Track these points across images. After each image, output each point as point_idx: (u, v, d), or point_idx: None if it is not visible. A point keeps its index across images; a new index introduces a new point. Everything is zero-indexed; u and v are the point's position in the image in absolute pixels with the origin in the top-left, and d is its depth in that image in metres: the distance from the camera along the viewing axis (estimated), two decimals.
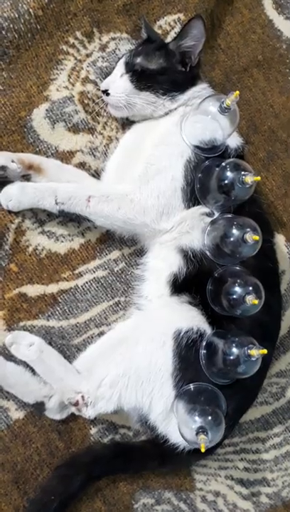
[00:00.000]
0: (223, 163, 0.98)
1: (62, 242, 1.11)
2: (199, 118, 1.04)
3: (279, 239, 1.24)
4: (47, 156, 1.11)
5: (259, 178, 0.92)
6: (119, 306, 1.14)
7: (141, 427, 1.09)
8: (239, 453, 1.20)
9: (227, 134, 1.03)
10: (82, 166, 1.12)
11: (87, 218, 1.04)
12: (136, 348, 0.99)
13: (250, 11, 1.28)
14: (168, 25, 1.21)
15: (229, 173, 0.96)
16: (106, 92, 1.08)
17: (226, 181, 0.96)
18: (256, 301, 0.91)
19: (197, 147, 1.04)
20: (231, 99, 0.94)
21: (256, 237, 0.91)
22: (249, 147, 1.24)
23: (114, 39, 1.17)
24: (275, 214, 1.26)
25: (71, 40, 1.14)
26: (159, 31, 1.21)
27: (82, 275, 1.12)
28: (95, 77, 1.15)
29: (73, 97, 1.13)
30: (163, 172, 1.03)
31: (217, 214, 1.04)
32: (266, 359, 1.04)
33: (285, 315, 1.22)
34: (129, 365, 0.98)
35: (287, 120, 1.29)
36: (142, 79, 1.06)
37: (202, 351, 0.98)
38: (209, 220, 1.03)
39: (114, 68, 1.12)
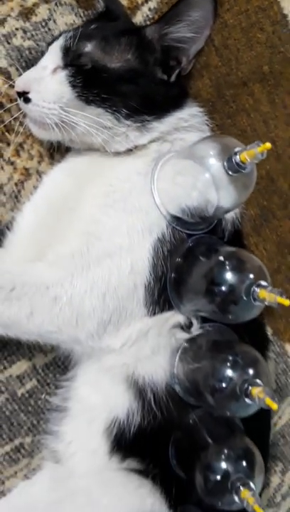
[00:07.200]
0: (221, 257, 0.57)
1: None
2: (184, 168, 0.61)
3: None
4: None
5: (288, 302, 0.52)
6: (22, 451, 0.69)
7: None
8: None
9: (229, 205, 0.61)
10: None
11: None
12: None
13: None
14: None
15: (231, 277, 0.56)
16: (24, 96, 0.62)
17: (224, 288, 0.56)
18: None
19: (176, 218, 0.61)
20: (252, 153, 0.52)
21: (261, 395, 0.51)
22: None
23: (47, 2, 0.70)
24: None
25: None
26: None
27: None
28: (8, 65, 0.67)
29: None
30: (115, 255, 0.60)
31: (197, 327, 0.63)
32: None
33: None
34: None
35: None
36: (92, 83, 0.61)
37: None
38: (184, 336, 0.63)
39: (42, 54, 0.65)
